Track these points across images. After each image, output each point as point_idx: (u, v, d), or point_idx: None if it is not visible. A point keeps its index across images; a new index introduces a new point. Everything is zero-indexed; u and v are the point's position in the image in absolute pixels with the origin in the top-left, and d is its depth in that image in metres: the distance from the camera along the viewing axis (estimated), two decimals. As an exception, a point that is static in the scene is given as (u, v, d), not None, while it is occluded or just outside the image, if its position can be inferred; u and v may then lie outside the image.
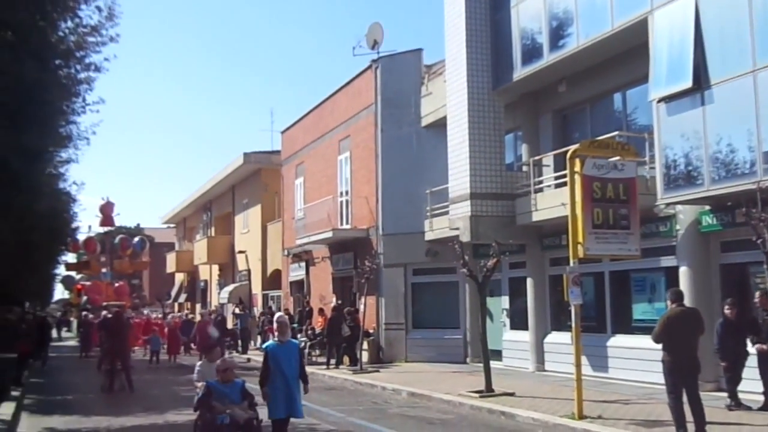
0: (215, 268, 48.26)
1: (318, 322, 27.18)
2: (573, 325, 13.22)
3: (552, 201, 17.78)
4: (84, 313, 42.26)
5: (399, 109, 25.05)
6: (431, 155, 23.58)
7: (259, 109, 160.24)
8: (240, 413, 9.11)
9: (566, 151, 14.12)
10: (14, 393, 17.33)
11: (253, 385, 10.20)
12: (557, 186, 18.10)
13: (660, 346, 10.77)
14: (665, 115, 14.75)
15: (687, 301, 11.70)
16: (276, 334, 9.92)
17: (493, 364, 17.24)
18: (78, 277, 56.45)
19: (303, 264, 32.26)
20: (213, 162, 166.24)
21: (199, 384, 10.20)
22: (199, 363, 11.17)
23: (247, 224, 41.99)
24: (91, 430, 13.71)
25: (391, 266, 24.76)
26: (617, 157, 13.83)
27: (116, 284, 45.95)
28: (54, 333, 46.92)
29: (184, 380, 22.22)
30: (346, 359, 23.76)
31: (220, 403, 9.18)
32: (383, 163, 25.15)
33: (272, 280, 37.88)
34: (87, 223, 64.60)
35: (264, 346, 10.20)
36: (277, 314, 12.54)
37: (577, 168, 13.18)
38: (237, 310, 35.72)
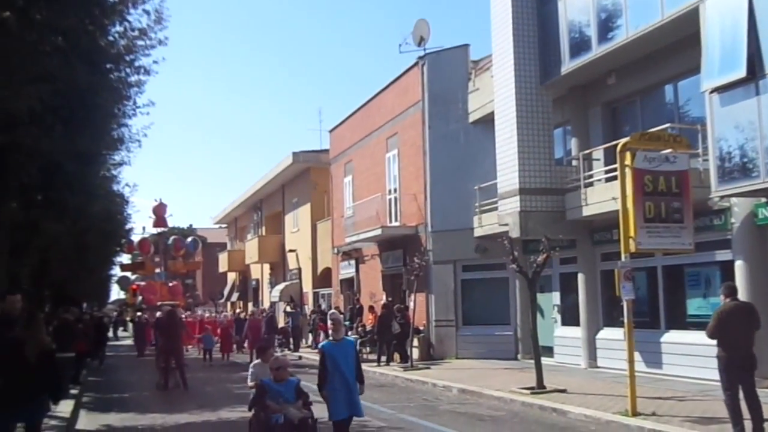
0: (266, 267, 48.69)
1: (368, 320, 27.28)
2: (625, 320, 13.04)
3: (602, 195, 17.56)
4: (139, 313, 43.01)
5: (446, 105, 24.97)
6: (479, 151, 23.48)
7: (308, 109, 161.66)
8: (294, 412, 8.83)
9: (616, 145, 13.91)
10: (73, 391, 17.71)
11: (307, 383, 10.07)
12: (608, 180, 17.87)
13: (714, 342, 10.57)
14: (718, 105, 14.43)
15: (743, 296, 11.50)
16: (330, 332, 9.65)
17: (545, 360, 17.10)
18: (133, 277, 57.57)
19: (353, 262, 32.38)
20: (263, 162, 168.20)
21: (252, 385, 9.96)
22: (252, 363, 10.86)
23: (297, 223, 42.27)
24: (147, 427, 13.96)
25: (440, 263, 24.72)
26: (669, 150, 13.58)
27: (170, 284, 46.70)
28: (110, 333, 47.85)
29: (237, 378, 22.50)
30: (396, 356, 23.80)
31: (275, 402, 8.91)
32: (431, 160, 25.10)
33: (322, 278, 38.08)
34: (140, 224, 65.76)
35: (320, 345, 9.89)
36: (331, 312, 12.40)
37: (628, 161, 12.99)
38: (288, 309, 36.01)
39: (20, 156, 9.77)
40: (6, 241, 14.22)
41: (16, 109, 7.22)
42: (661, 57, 17.48)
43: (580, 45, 18.69)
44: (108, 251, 32.13)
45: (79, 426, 14.14)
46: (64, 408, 14.71)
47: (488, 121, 22.21)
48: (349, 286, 33.20)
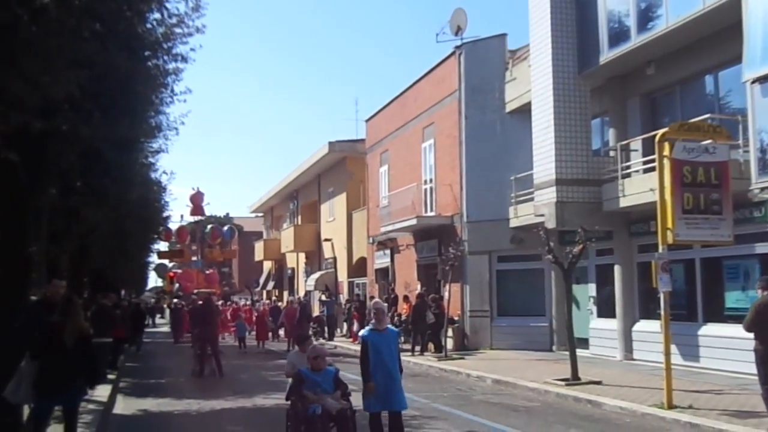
0: (302, 256, 48.93)
1: (403, 309, 27.32)
2: (662, 312, 12.91)
3: (640, 186, 17.37)
4: (175, 300, 43.52)
5: (483, 95, 24.84)
6: (515, 141, 23.34)
7: (344, 99, 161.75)
8: (332, 403, 8.54)
9: (655, 135, 13.73)
10: (110, 376, 17.98)
11: (344, 372, 9.90)
12: (645, 171, 17.67)
13: (752, 335, 10.41)
14: (760, 96, 14.17)
15: (782, 289, 11.24)
16: (372, 321, 9.44)
17: (580, 352, 16.97)
18: (170, 265, 58.20)
19: (388, 251, 32.41)
20: (299, 152, 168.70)
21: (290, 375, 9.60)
22: (290, 353, 10.63)
23: (333, 212, 42.41)
24: (183, 412, 14.13)
25: (475, 253, 24.65)
26: (708, 140, 13.37)
27: (207, 272, 47.17)
28: (148, 319, 48.48)
29: (272, 365, 22.70)
30: (430, 346, 23.81)
31: (312, 393, 8.63)
32: (467, 150, 25.00)
33: (357, 268, 38.19)
34: (178, 212, 66.37)
35: (361, 334, 9.53)
36: (374, 300, 12.18)
37: (667, 152, 12.82)
38: (323, 297, 36.20)
39: (60, 142, 9.90)
40: (46, 228, 14.42)
41: (55, 94, 7.32)
42: (702, 47, 17.21)
43: (618, 35, 18.47)
44: (146, 238, 32.46)
45: (116, 410, 14.35)
46: (102, 392, 14.93)
47: (525, 111, 22.07)
48: (384, 275, 33.25)
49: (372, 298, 30.91)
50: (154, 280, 79.62)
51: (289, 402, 9.07)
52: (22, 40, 6.67)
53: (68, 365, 8.47)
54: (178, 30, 10.17)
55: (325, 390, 8.71)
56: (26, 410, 9.53)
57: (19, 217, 9.83)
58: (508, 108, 24.21)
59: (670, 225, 12.69)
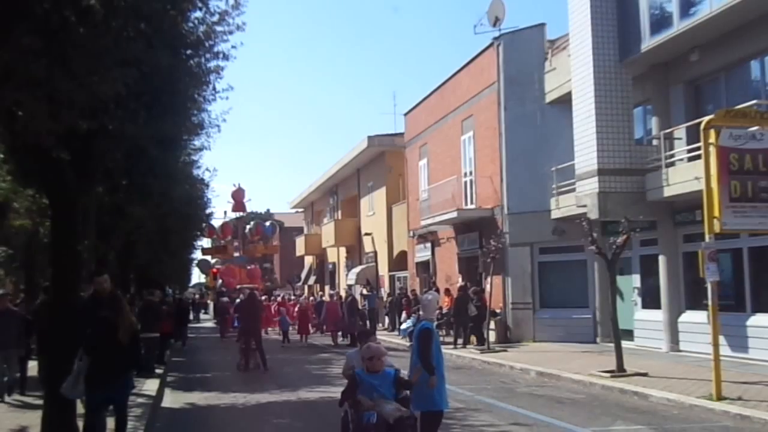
0: (342, 250, 49.12)
1: (445, 302, 27.27)
2: (710, 303, 12.75)
3: (685, 175, 17.13)
4: (223, 297, 43.97)
5: (522, 86, 24.68)
6: (556, 132, 23.16)
7: (382, 93, 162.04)
8: (390, 410, 7.41)
9: (699, 123, 13.53)
10: (158, 371, 18.25)
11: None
12: (690, 159, 17.44)
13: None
14: (808, 80, 13.90)
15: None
16: (420, 314, 9.05)
17: (625, 344, 16.81)
18: (213, 261, 58.79)
19: (428, 245, 32.39)
20: (338, 147, 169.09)
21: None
22: (351, 351, 9.43)
23: (373, 206, 42.49)
24: (229, 405, 14.29)
25: (516, 245, 24.53)
26: (756, 127, 13.14)
27: (249, 267, 47.56)
28: (191, 315, 49.07)
29: (315, 359, 22.88)
30: (473, 339, 23.77)
31: (367, 397, 7.54)
32: (507, 142, 24.87)
33: (398, 261, 38.23)
34: (221, 209, 66.80)
35: (425, 326, 8.43)
36: (430, 292, 11.98)
37: (712, 139, 12.63)
38: (365, 291, 36.31)
39: (106, 141, 10.05)
40: (93, 225, 14.69)
41: (103, 93, 7.44)
42: (747, 31, 16.89)
43: (660, 21, 18.23)
44: (189, 235, 32.82)
45: (164, 404, 14.56)
46: (150, 387, 15.20)
47: (565, 101, 21.89)
48: (425, 269, 33.25)
49: (413, 291, 31.01)
50: (197, 276, 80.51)
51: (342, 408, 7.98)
52: (71, 41, 6.79)
53: (120, 360, 8.64)
54: (219, 28, 10.24)
55: (382, 395, 7.61)
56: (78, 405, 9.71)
57: (68, 216, 10.00)
58: (548, 98, 24.02)
59: (716, 214, 12.50)
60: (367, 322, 33.22)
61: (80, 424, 9.42)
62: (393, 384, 7.78)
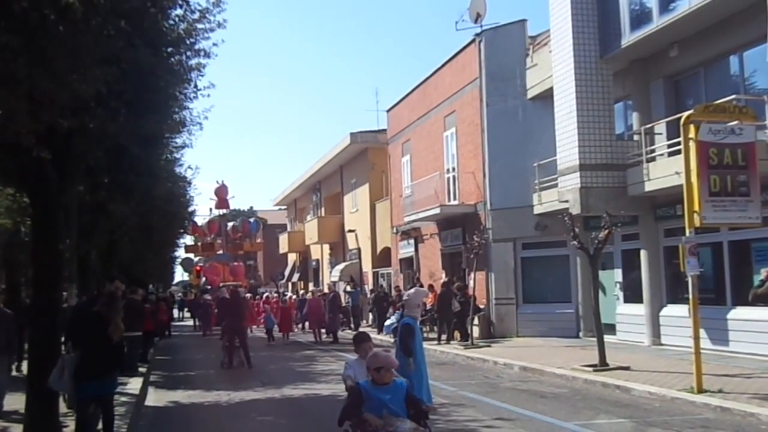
0: (326, 247, 49.08)
1: (428, 299, 27.31)
2: (690, 296, 12.85)
3: (665, 170, 17.24)
4: (205, 295, 43.82)
5: (504, 82, 24.75)
6: (538, 128, 23.26)
7: (364, 89, 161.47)
8: (405, 430, 6.10)
9: (680, 118, 13.62)
10: (141, 369, 18.19)
11: None
12: (670, 154, 17.55)
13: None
14: (786, 75, 14.03)
15: (812, 271, 11.16)
16: (404, 310, 9.09)
17: (607, 338, 16.90)
18: (196, 259, 58.51)
19: (412, 241, 32.45)
20: (321, 143, 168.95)
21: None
22: (350, 360, 7.88)
23: (356, 203, 42.48)
24: (213, 403, 14.28)
25: (499, 241, 24.62)
26: (735, 122, 13.25)
27: (233, 265, 47.36)
28: (175, 313, 48.86)
29: (299, 357, 22.88)
30: (456, 334, 23.83)
31: (375, 414, 6.17)
32: (489, 138, 24.94)
33: (382, 258, 38.25)
34: (203, 206, 66.72)
35: (404, 321, 8.71)
36: (414, 289, 11.81)
37: (692, 134, 12.72)
38: (348, 288, 36.31)
39: (87, 139, 10.02)
40: (75, 224, 14.64)
41: (83, 92, 7.42)
42: (726, 27, 17.03)
43: (640, 17, 18.33)
44: (172, 233, 32.75)
45: (148, 402, 14.53)
46: (134, 385, 15.16)
47: (547, 97, 21.98)
48: (409, 265, 33.29)
49: (397, 287, 31.03)
50: (180, 275, 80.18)
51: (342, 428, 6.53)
52: (50, 39, 6.77)
53: (108, 356, 8.72)
54: (200, 25, 10.27)
55: (394, 412, 6.23)
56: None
57: (49, 215, 9.98)
58: (530, 94, 24.11)
59: (696, 208, 12.59)
60: (351, 319, 33.33)
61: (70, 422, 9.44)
62: (405, 398, 6.40)
